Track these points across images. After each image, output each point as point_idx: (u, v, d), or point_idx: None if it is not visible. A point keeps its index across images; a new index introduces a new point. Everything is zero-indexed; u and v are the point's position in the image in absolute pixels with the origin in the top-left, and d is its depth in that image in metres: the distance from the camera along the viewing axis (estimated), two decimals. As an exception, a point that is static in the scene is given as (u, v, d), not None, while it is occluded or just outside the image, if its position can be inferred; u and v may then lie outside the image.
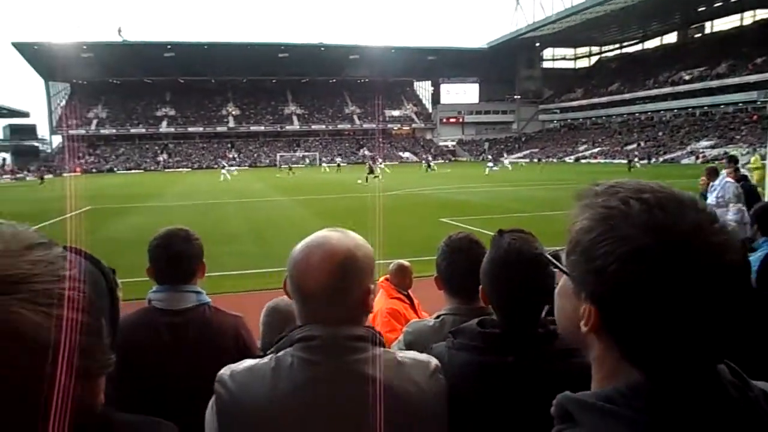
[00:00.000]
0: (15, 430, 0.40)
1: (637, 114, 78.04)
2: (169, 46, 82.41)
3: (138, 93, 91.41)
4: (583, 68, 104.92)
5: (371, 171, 37.10)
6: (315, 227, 1.37)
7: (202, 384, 1.34)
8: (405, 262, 3.83)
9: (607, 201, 0.74)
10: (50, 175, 57.12)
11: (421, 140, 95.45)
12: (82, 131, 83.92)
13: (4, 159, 76.55)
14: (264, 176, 48.24)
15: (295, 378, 1.18)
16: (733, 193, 8.17)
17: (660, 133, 69.36)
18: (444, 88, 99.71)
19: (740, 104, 63.10)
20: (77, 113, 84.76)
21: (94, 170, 74.86)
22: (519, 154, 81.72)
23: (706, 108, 67.93)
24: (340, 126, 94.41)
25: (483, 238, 1.98)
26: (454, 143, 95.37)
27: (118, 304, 0.71)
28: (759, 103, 56.09)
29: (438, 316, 1.94)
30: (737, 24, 77.94)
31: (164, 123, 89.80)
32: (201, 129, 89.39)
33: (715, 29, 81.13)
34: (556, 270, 0.85)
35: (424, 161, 59.97)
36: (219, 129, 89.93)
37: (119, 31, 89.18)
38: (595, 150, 71.44)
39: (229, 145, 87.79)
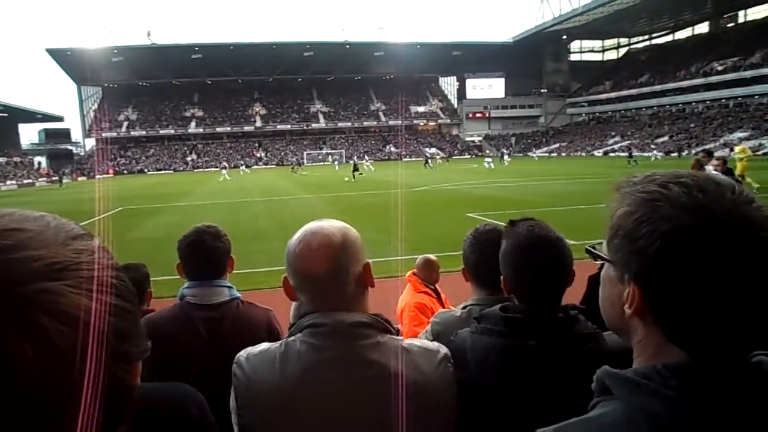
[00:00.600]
0: (64, 407, 0.43)
1: (667, 106, 76.14)
2: (196, 48, 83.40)
3: (166, 95, 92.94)
4: (611, 60, 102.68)
5: (356, 168, 38.80)
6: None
7: None
8: (432, 256, 3.84)
9: (646, 186, 0.76)
10: (69, 179, 57.92)
11: (447, 136, 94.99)
12: (113, 134, 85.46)
13: (39, 162, 78.23)
14: (267, 177, 47.40)
15: (302, 362, 1.24)
16: None
17: (692, 125, 67.63)
18: (470, 83, 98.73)
19: (775, 94, 61.28)
20: (108, 116, 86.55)
21: (125, 171, 76.57)
22: (546, 148, 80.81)
23: (739, 99, 66.05)
24: (365, 123, 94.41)
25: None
26: (480, 138, 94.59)
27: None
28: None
29: (465, 306, 1.96)
30: (772, 12, 75.69)
31: (193, 124, 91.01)
32: (228, 129, 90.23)
33: (749, 18, 78.75)
34: (598, 261, 0.86)
35: (423, 158, 60.45)
36: (246, 128, 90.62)
37: (148, 34, 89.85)
38: (624, 143, 70.11)
39: (257, 145, 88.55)
